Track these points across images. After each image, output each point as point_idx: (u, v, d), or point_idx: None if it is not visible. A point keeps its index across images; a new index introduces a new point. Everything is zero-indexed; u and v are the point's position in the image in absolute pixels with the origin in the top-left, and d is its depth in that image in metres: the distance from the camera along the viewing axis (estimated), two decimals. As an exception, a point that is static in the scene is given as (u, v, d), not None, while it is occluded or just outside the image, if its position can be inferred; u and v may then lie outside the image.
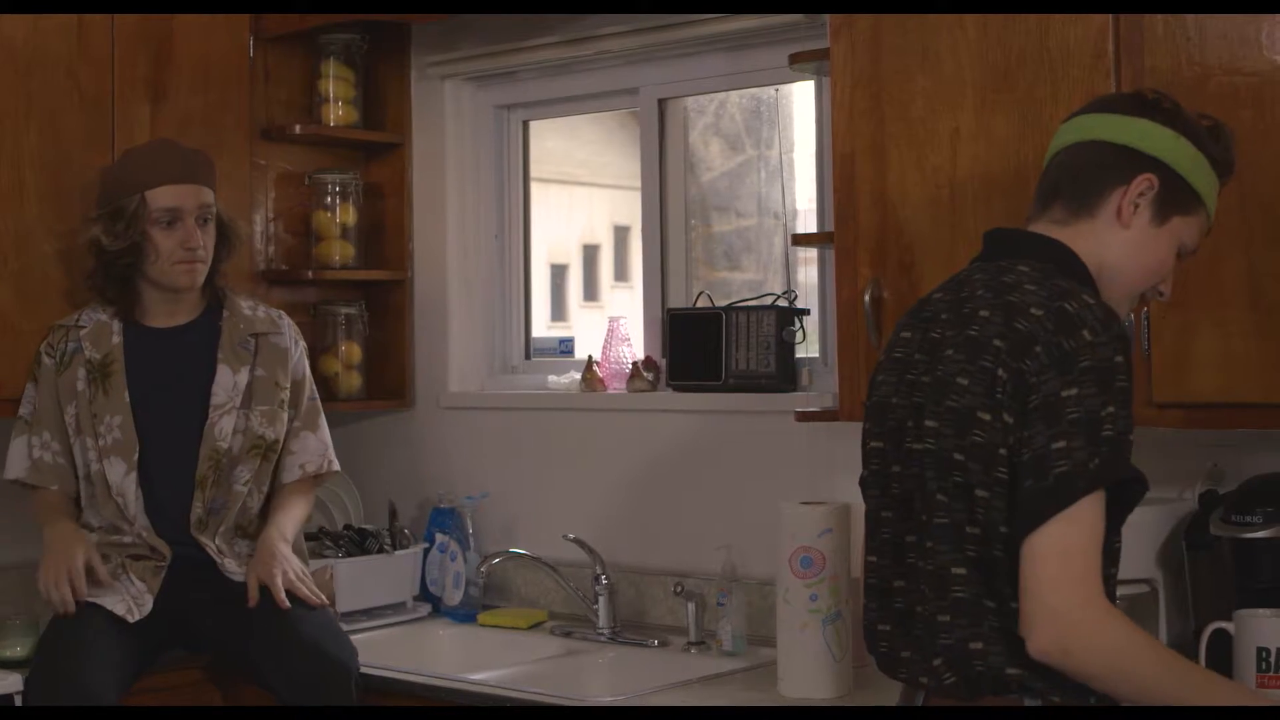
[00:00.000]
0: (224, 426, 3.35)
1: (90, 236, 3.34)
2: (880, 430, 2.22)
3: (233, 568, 3.32)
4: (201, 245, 3.35)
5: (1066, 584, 1.98)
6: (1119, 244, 2.20)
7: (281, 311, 3.55)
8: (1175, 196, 2.20)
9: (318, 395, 3.55)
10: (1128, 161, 2.19)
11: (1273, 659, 2.51)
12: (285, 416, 3.43)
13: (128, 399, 3.32)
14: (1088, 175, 2.21)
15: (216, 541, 3.32)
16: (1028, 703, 2.05)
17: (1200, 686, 2.05)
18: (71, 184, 3.51)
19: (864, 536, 2.30)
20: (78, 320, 3.38)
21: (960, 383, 2.07)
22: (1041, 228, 2.23)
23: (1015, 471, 2.02)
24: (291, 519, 3.39)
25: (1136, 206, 2.19)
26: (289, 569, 3.26)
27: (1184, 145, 2.20)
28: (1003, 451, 2.03)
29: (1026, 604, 2.00)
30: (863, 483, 2.27)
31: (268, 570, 3.24)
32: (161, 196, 3.31)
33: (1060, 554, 1.98)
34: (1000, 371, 2.03)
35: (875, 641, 2.23)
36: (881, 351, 2.31)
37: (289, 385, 3.44)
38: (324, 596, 3.33)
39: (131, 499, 3.29)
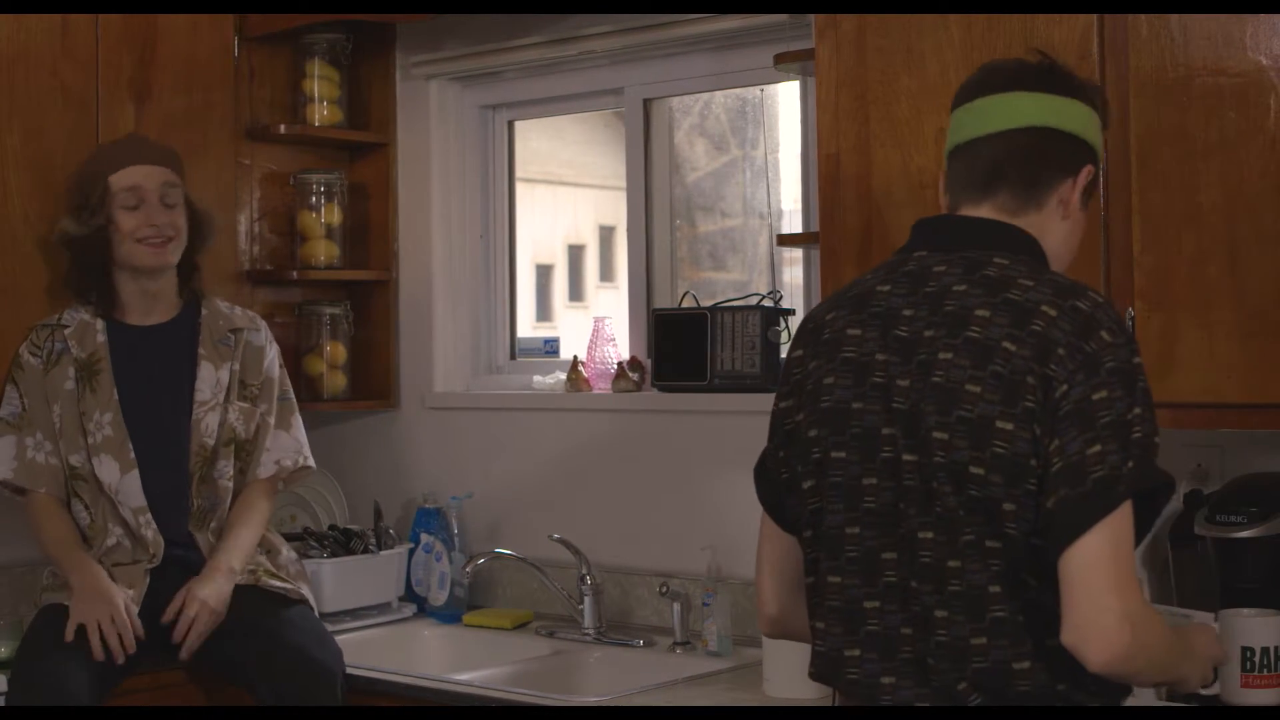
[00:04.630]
0: (210, 422, 3.36)
1: (60, 230, 3.37)
2: (841, 439, 2.05)
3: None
4: (168, 224, 3.36)
5: (1124, 588, 1.89)
6: (1059, 233, 2.12)
7: (255, 314, 3.57)
8: (1095, 179, 2.16)
9: (292, 395, 3.55)
10: (1073, 153, 2.12)
11: (1257, 658, 2.52)
12: (258, 413, 3.44)
13: (116, 396, 3.32)
14: (1040, 166, 2.10)
15: (210, 536, 3.33)
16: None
17: (1185, 651, 2.05)
18: (55, 184, 3.50)
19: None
20: (60, 320, 3.38)
21: (971, 390, 1.94)
22: (989, 215, 2.11)
23: (1045, 483, 1.91)
24: (247, 539, 3.35)
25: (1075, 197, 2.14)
26: (208, 621, 3.22)
27: (1098, 124, 2.16)
28: (1033, 463, 1.92)
29: (1080, 614, 1.89)
30: (810, 493, 2.09)
31: (200, 622, 3.21)
32: (123, 177, 3.34)
33: (1112, 560, 1.89)
34: (1029, 378, 1.92)
35: (839, 668, 2.06)
36: (799, 346, 2.15)
37: (260, 383, 3.45)
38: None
39: (131, 494, 3.28)
